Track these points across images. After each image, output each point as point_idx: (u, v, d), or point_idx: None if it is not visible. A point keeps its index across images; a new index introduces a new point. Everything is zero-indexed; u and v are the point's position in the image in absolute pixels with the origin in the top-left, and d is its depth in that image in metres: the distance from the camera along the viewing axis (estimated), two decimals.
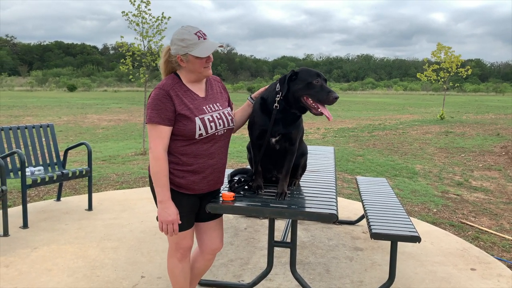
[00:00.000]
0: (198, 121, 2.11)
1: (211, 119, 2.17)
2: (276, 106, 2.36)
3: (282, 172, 2.49)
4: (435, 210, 4.97)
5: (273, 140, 2.43)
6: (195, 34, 2.08)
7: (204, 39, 2.10)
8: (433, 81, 19.35)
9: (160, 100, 2.07)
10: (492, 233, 4.23)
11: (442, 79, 18.67)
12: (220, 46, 2.14)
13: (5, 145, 4.41)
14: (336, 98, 2.22)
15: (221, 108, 2.26)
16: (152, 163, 2.08)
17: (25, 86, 52.54)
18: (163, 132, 2.08)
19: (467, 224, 4.49)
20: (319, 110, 2.27)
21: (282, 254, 3.53)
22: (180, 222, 2.17)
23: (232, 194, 2.34)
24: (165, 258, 3.41)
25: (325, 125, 15.03)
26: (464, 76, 18.83)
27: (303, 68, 2.37)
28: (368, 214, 3.09)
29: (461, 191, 5.92)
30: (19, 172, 4.27)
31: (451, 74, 18.39)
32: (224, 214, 3.86)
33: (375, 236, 2.70)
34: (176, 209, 2.14)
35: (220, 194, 2.40)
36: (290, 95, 2.34)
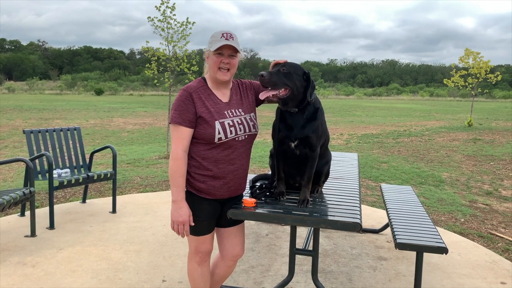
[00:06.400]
0: (217, 125, 2.12)
1: (231, 123, 2.17)
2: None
3: (304, 179, 2.46)
4: (462, 220, 4.82)
5: (292, 145, 2.41)
6: (222, 34, 2.13)
7: (227, 39, 2.11)
8: (461, 87, 18.89)
9: (182, 101, 2.11)
10: None
11: (470, 85, 18.21)
12: (231, 49, 2.15)
13: (34, 147, 4.53)
14: (259, 75, 2.26)
15: (243, 114, 2.26)
16: (170, 163, 2.11)
17: (55, 89, 54.08)
18: (184, 133, 2.11)
19: (497, 236, 4.33)
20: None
21: (303, 262, 3.49)
22: (192, 224, 2.18)
23: (253, 200, 2.32)
24: (186, 262, 3.42)
25: (349, 131, 14.86)
26: (493, 82, 18.32)
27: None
28: (393, 223, 3.01)
29: (490, 200, 5.72)
30: (47, 174, 4.38)
31: (479, 80, 17.91)
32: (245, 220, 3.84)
33: (400, 246, 2.63)
34: (189, 211, 2.16)
35: (242, 200, 2.39)
36: None
